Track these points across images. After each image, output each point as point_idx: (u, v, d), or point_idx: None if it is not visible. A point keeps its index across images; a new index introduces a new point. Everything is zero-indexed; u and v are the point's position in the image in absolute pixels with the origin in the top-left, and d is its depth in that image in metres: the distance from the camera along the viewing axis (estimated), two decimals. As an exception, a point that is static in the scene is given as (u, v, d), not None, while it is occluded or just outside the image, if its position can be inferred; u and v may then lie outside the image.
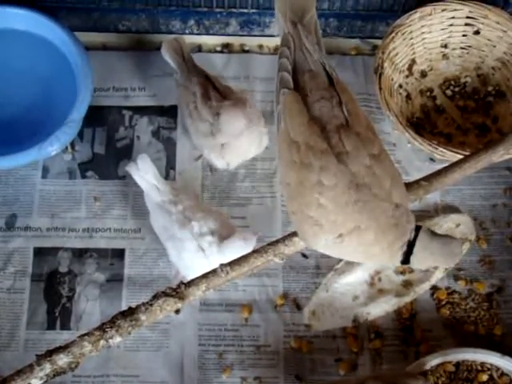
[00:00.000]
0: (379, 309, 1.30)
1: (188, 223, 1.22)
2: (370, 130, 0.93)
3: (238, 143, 1.29)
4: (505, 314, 1.32)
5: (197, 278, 0.92)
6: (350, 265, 1.32)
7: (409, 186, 0.97)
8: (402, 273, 1.33)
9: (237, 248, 1.16)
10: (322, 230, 0.89)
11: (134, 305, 0.88)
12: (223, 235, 1.21)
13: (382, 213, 0.87)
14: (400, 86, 1.45)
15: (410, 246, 0.88)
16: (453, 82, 1.49)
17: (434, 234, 0.90)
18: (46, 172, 1.41)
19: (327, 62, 0.97)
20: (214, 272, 0.92)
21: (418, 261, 0.90)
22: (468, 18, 1.42)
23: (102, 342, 0.85)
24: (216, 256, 1.19)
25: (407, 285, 1.32)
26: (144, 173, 1.27)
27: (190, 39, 1.51)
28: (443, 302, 1.32)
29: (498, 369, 1.22)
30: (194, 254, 1.20)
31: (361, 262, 1.31)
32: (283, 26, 1.02)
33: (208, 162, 1.38)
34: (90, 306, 1.32)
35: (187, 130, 1.37)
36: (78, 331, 1.28)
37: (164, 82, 1.49)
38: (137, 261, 1.35)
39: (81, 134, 1.44)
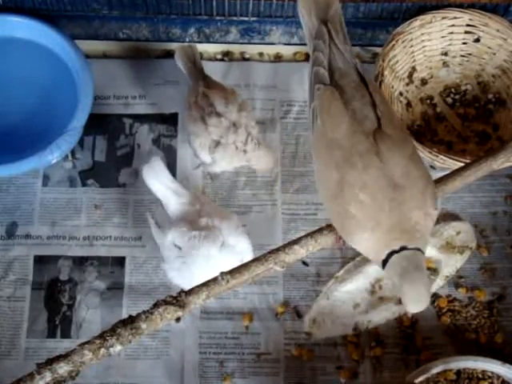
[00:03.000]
0: (380, 317, 1.30)
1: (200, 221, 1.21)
2: (402, 129, 0.93)
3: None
4: (505, 322, 1.32)
5: (197, 286, 0.92)
6: (351, 273, 1.32)
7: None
8: (403, 280, 1.33)
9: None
10: (359, 224, 0.89)
11: (134, 313, 0.88)
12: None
13: (408, 217, 0.87)
14: (400, 94, 1.45)
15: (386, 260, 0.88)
16: (453, 90, 1.49)
17: (408, 267, 0.86)
18: (46, 180, 1.41)
19: (358, 62, 0.97)
20: (214, 280, 0.92)
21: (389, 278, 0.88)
22: (468, 25, 1.43)
23: (102, 351, 0.85)
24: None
25: (408, 293, 1.32)
26: (161, 177, 1.26)
27: (191, 47, 1.52)
28: (444, 310, 1.32)
29: (498, 377, 1.21)
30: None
31: (362, 270, 1.31)
32: (308, 22, 1.01)
33: (198, 156, 1.38)
34: (90, 314, 1.32)
35: (185, 123, 1.37)
36: (78, 339, 1.28)
37: (164, 90, 1.50)
38: (137, 269, 1.35)
39: (81, 142, 1.44)
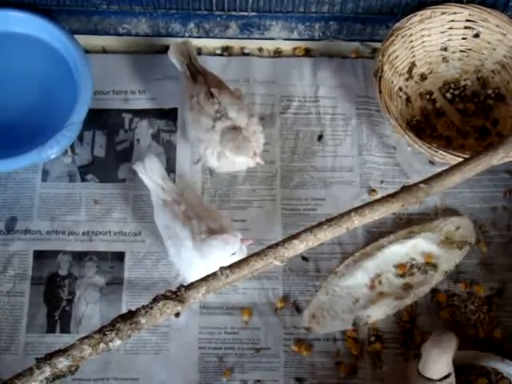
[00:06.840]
0: (379, 312, 1.30)
1: (189, 222, 1.22)
2: None
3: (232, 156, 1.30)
4: (505, 317, 1.32)
5: (197, 281, 0.92)
6: (350, 268, 1.33)
7: (409, 188, 0.97)
8: (402, 276, 1.33)
9: (216, 248, 1.16)
10: None
11: (133, 308, 0.88)
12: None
13: None
14: (400, 89, 1.45)
15: None
16: (452, 85, 1.49)
17: None
18: (45, 175, 1.41)
19: None
20: (213, 275, 0.92)
21: None
22: (468, 21, 1.42)
23: (101, 345, 0.85)
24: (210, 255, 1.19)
25: (407, 288, 1.32)
26: (150, 172, 1.28)
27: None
28: (443, 305, 1.32)
29: (498, 373, 1.22)
30: (192, 253, 1.20)
31: (361, 265, 1.31)
32: None
33: (205, 164, 1.38)
34: (89, 309, 1.32)
35: (187, 124, 1.36)
36: (77, 334, 1.28)
37: (164, 85, 1.49)
38: (137, 264, 1.35)
39: (81, 137, 1.44)
